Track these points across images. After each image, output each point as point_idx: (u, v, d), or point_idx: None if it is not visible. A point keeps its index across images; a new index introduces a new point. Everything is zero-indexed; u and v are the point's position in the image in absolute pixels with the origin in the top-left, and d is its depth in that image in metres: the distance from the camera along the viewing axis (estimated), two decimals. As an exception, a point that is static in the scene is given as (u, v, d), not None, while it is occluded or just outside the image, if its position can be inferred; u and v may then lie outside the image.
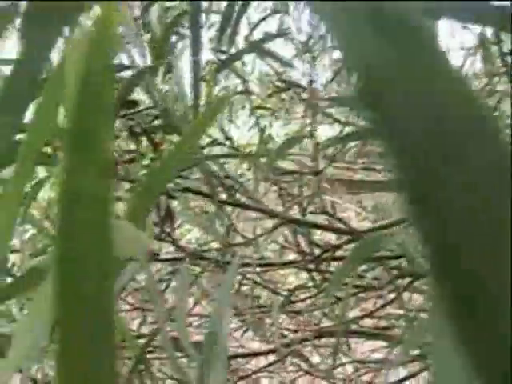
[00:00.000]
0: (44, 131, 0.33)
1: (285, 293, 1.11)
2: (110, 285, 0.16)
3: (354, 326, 1.09)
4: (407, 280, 1.03)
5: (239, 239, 0.93)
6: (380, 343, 1.38)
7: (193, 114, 0.50)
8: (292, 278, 1.40)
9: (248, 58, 1.54)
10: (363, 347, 1.47)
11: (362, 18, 0.19)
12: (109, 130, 0.16)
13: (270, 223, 1.44)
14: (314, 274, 1.18)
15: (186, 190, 0.64)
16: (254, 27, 1.25)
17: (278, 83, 1.33)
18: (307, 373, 1.11)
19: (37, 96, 0.29)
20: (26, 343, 0.28)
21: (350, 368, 1.37)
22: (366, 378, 1.25)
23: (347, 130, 1.37)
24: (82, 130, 0.15)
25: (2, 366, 0.28)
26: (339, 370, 1.28)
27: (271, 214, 0.74)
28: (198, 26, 0.46)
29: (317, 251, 0.85)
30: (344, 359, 1.28)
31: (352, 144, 1.37)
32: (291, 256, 1.23)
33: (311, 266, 0.96)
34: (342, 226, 0.78)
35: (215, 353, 0.37)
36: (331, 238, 1.32)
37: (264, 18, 1.26)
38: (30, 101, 0.29)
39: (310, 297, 0.98)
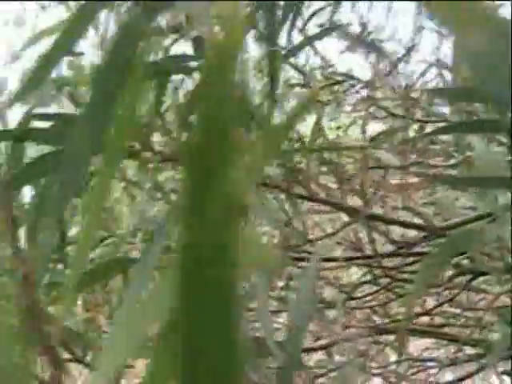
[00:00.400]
0: (129, 125, 0.32)
1: (335, 287, 1.10)
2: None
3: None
4: (463, 278, 1.01)
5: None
6: (431, 341, 1.36)
7: (269, 107, 0.49)
8: (342, 273, 1.39)
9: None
10: (412, 345, 1.45)
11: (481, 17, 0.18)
12: (235, 163, 0.14)
13: (317, 217, 1.43)
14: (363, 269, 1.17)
15: (263, 184, 0.63)
16: (307, 20, 1.24)
17: (328, 75, 1.32)
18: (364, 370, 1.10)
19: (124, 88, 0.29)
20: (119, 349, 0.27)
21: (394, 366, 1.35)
22: (419, 376, 1.23)
23: (398, 123, 1.35)
24: (204, 167, 0.14)
25: (94, 374, 0.28)
26: (390, 368, 1.26)
27: (347, 210, 0.73)
28: (274, 21, 0.45)
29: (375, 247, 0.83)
30: (394, 357, 1.26)
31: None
32: (339, 251, 1.21)
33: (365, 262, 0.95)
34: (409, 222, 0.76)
35: (296, 350, 0.37)
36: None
37: (317, 11, 1.25)
38: (119, 93, 0.29)
39: (372, 293, 0.97)
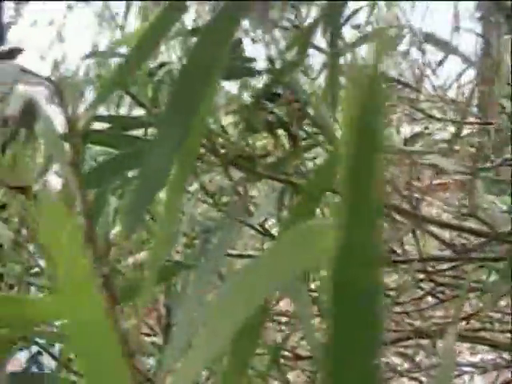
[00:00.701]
0: (203, 129, 0.32)
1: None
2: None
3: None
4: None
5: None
6: (466, 346, 1.34)
7: (331, 108, 0.49)
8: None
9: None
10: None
11: None
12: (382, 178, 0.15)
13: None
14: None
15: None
16: (344, 21, 1.23)
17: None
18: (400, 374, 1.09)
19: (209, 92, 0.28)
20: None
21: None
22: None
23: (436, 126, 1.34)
24: (358, 180, 0.14)
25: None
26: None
27: (403, 213, 0.72)
28: (337, 23, 0.45)
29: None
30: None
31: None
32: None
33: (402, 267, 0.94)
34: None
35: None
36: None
37: (354, 13, 1.24)
38: (202, 97, 0.28)
39: (418, 298, 0.96)
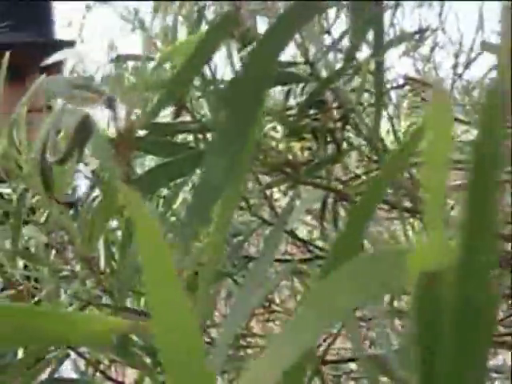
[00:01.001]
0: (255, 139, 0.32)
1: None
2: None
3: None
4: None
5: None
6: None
7: (375, 112, 0.49)
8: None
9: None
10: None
11: None
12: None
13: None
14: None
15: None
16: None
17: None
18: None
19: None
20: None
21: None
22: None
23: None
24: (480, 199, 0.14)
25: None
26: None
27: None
28: (381, 29, 0.45)
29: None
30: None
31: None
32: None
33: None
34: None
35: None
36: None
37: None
38: (258, 108, 0.28)
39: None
